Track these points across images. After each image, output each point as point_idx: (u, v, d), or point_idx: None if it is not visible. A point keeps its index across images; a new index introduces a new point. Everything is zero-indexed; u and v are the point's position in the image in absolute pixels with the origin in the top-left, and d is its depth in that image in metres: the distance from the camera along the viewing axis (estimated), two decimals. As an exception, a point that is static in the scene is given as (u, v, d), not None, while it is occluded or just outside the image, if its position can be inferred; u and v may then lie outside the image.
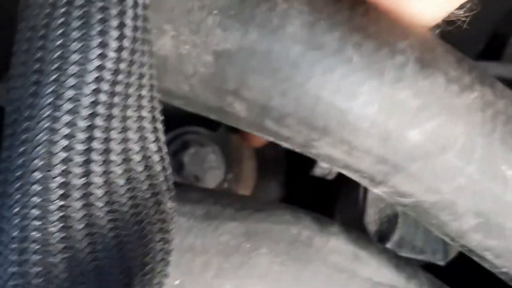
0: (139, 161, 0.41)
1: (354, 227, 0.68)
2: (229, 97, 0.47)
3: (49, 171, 0.37)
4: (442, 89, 0.45)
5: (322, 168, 0.70)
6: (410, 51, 0.45)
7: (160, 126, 0.43)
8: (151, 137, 0.42)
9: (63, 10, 0.39)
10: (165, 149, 0.43)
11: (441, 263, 0.68)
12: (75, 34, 0.38)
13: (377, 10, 0.47)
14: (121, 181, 0.40)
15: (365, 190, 0.66)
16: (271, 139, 0.50)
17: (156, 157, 0.42)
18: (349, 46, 0.44)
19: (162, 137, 0.43)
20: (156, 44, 0.45)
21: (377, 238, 0.66)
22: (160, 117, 0.43)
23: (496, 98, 0.48)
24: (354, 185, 0.68)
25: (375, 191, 0.51)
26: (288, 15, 0.44)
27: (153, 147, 0.42)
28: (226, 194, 0.54)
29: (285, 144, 0.50)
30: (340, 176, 0.72)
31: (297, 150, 0.50)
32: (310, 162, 0.72)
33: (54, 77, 0.38)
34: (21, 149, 0.38)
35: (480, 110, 0.46)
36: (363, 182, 0.50)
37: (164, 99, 0.48)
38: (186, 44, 0.45)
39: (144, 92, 0.42)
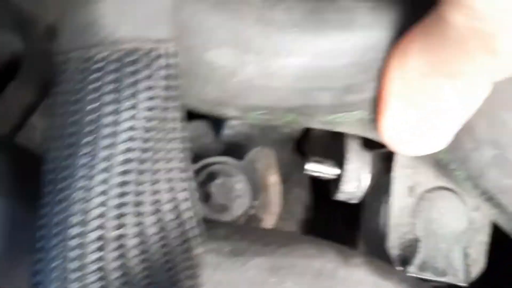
0: (169, 211, 0.44)
1: (378, 251, 0.70)
2: (315, 92, 0.52)
3: (85, 226, 0.40)
4: None
5: (346, 193, 0.73)
6: None
7: (189, 174, 0.46)
8: (180, 186, 0.45)
9: (96, 75, 0.42)
10: (194, 196, 0.46)
11: (464, 284, 0.69)
12: (108, 98, 0.41)
13: None
14: (153, 231, 0.43)
15: (387, 216, 0.68)
16: (341, 116, 0.55)
17: (185, 205, 0.45)
18: None
19: (192, 185, 0.46)
20: (241, 72, 0.49)
21: (399, 262, 0.68)
22: (189, 166, 0.46)
23: None
24: (376, 210, 0.70)
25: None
26: (353, 8, 0.50)
27: (182, 195, 0.45)
28: (252, 230, 0.56)
29: (354, 114, 0.55)
30: (362, 201, 0.74)
31: (365, 114, 0.54)
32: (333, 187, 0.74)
33: (88, 139, 0.41)
34: (58, 207, 0.41)
35: None
36: None
37: (242, 115, 0.54)
38: (272, 65, 0.50)
39: (174, 145, 0.45)
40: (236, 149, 0.84)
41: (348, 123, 0.55)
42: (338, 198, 0.73)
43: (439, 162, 0.58)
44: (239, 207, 0.78)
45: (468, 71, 0.44)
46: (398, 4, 0.51)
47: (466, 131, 0.53)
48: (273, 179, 0.82)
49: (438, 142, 0.53)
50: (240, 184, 0.78)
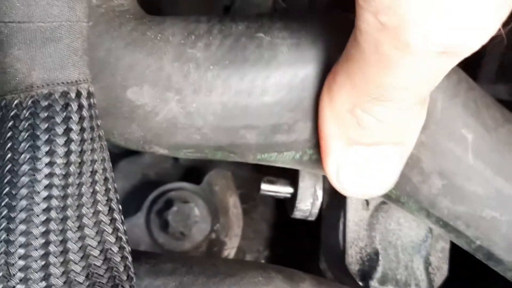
0: (98, 255, 0.43)
1: (338, 267, 0.69)
2: (240, 131, 0.50)
3: (8, 281, 0.39)
4: None
5: (302, 211, 0.72)
6: None
7: (117, 216, 0.45)
8: (108, 229, 0.44)
9: (10, 124, 0.41)
10: (124, 237, 0.45)
11: (427, 293, 0.68)
12: (23, 146, 0.41)
13: None
14: (81, 278, 0.42)
15: (344, 231, 0.68)
16: (273, 156, 0.53)
17: (115, 248, 0.44)
18: None
19: (121, 226, 0.45)
20: (163, 110, 0.48)
21: (360, 277, 0.68)
22: (117, 206, 0.45)
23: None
24: (333, 226, 0.70)
25: None
26: (275, 44, 0.49)
27: (111, 238, 0.44)
28: (199, 262, 0.55)
29: (286, 154, 0.53)
30: (320, 218, 0.73)
31: (298, 155, 0.53)
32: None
33: (6, 190, 0.40)
34: None
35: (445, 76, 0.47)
36: None
37: (171, 152, 0.52)
38: (193, 103, 0.49)
39: (98, 187, 0.44)
40: (195, 173, 0.84)
41: (282, 162, 0.54)
42: (295, 216, 0.72)
43: (390, 198, 0.57)
44: (198, 233, 0.78)
45: (391, 83, 0.43)
46: (323, 40, 0.49)
47: (412, 166, 0.52)
48: (233, 201, 0.81)
49: (387, 178, 0.51)
50: (197, 210, 0.78)
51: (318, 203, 0.71)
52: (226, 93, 0.48)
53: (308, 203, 0.71)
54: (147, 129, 0.49)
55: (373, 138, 0.47)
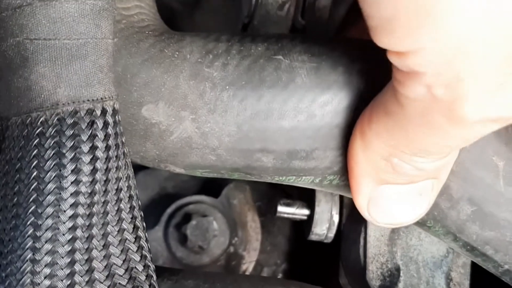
0: (122, 274, 0.43)
1: (359, 282, 0.69)
2: (256, 155, 0.49)
3: None
4: None
5: (318, 235, 0.72)
6: None
7: (142, 233, 0.45)
8: (133, 247, 0.44)
9: (35, 141, 0.41)
10: (149, 255, 0.45)
11: (449, 310, 0.68)
12: (49, 164, 0.41)
13: None
14: None
15: (365, 247, 0.67)
16: (291, 179, 0.52)
17: (139, 266, 0.44)
18: None
19: (145, 244, 0.45)
20: (178, 129, 0.48)
21: (381, 293, 0.67)
22: (142, 224, 0.45)
23: None
24: (354, 241, 0.69)
25: None
26: (293, 67, 0.48)
27: (136, 256, 0.44)
28: (221, 278, 0.55)
29: (305, 178, 0.52)
30: (340, 232, 0.73)
31: (317, 179, 0.52)
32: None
33: (31, 209, 0.40)
34: (7, 282, 0.40)
35: None
36: None
37: (188, 172, 0.52)
38: (207, 122, 0.48)
39: (123, 205, 0.44)
40: (212, 186, 0.83)
41: (302, 184, 0.53)
42: (311, 239, 0.72)
43: (416, 222, 0.56)
44: (217, 247, 0.77)
45: (435, 144, 0.42)
46: (344, 65, 0.48)
47: (441, 192, 0.50)
48: (251, 215, 0.81)
49: (419, 210, 0.50)
50: (216, 223, 0.78)
51: (334, 228, 0.71)
52: (241, 114, 0.47)
53: (324, 228, 0.71)
54: (162, 148, 0.49)
55: (408, 180, 0.46)
